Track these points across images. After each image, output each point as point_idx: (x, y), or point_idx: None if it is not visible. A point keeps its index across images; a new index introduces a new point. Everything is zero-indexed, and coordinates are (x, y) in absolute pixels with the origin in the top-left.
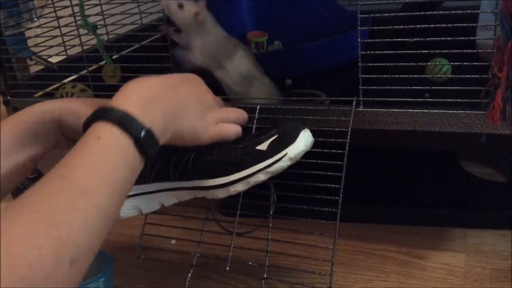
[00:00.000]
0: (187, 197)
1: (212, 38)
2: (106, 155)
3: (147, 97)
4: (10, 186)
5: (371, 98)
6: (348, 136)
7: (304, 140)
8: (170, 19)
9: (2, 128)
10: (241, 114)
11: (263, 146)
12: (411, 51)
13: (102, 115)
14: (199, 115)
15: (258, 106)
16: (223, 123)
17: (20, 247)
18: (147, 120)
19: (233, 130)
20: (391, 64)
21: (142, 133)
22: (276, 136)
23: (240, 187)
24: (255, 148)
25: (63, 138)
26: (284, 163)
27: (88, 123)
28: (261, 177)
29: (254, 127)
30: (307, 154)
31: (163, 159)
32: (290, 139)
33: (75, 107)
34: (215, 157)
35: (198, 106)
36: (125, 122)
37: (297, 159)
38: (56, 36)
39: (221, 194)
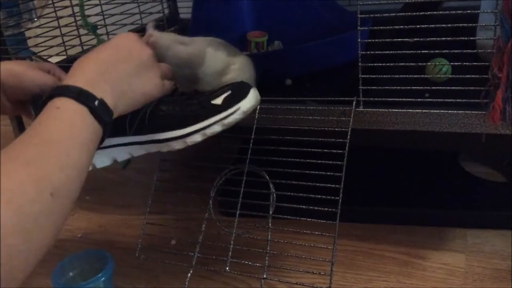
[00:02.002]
0: (140, 152)
1: (174, 58)
2: (67, 119)
3: (94, 76)
4: None
5: (371, 98)
6: (348, 136)
7: (254, 96)
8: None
9: None
10: (169, 69)
11: (218, 101)
12: (411, 51)
13: (58, 92)
14: (146, 77)
15: (258, 106)
16: (164, 78)
17: (2, 182)
18: (98, 93)
19: (172, 85)
20: (391, 64)
21: (96, 103)
22: (230, 92)
23: (197, 138)
24: (210, 102)
25: (7, 102)
26: (238, 116)
27: (45, 101)
28: (217, 128)
29: (254, 127)
30: (307, 154)
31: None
32: (242, 95)
33: (14, 68)
34: (171, 112)
35: (140, 70)
36: (80, 95)
37: (248, 113)
38: (56, 36)
39: (177, 145)
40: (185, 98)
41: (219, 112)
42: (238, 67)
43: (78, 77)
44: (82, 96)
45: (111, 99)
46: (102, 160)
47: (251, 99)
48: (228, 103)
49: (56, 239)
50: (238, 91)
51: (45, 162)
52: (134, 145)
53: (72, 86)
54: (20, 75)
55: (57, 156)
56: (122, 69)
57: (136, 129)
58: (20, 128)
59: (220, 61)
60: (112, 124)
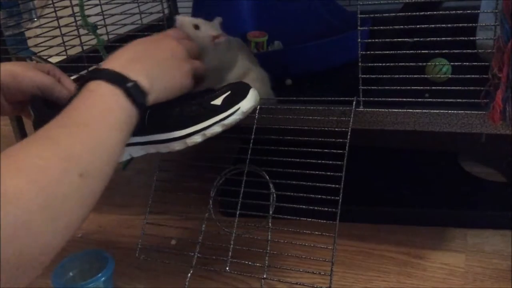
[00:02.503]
0: (140, 153)
1: (216, 56)
2: (101, 101)
3: (129, 61)
4: None
5: (371, 98)
6: (348, 136)
7: (254, 96)
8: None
9: None
10: (201, 67)
11: (217, 101)
12: (411, 51)
13: (93, 75)
14: (177, 67)
15: (258, 107)
16: (196, 72)
17: (25, 158)
18: (132, 76)
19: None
20: (391, 64)
21: (130, 84)
22: (229, 92)
23: (197, 139)
24: (210, 103)
25: (6, 103)
26: (237, 116)
27: (81, 85)
28: (217, 129)
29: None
30: (307, 154)
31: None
32: (242, 95)
33: (12, 68)
34: (171, 112)
35: (174, 60)
36: (114, 77)
37: (248, 113)
38: (56, 36)
39: (178, 146)
40: (183, 98)
41: (219, 112)
42: (256, 77)
43: (113, 62)
44: (116, 78)
45: (146, 82)
46: None
47: (250, 100)
48: (228, 103)
49: (84, 222)
50: (237, 92)
51: (74, 143)
52: (134, 146)
53: (106, 69)
54: (18, 75)
55: (87, 137)
56: (157, 57)
57: (136, 130)
58: (20, 128)
59: (243, 67)
60: (147, 108)
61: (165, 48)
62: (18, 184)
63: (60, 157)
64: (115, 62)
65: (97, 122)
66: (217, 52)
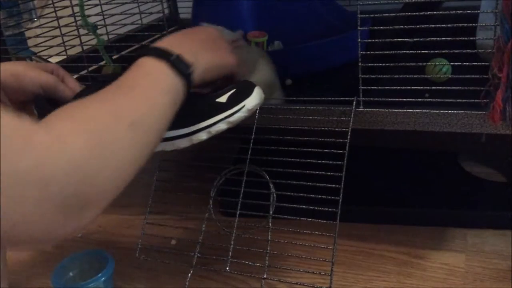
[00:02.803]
0: None
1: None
2: (147, 72)
3: (175, 41)
4: None
5: (371, 98)
6: (348, 136)
7: (258, 94)
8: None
9: None
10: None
11: (222, 99)
12: (411, 51)
13: (142, 52)
14: (218, 47)
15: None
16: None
17: (77, 110)
18: (176, 51)
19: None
20: (391, 64)
21: (173, 57)
22: (234, 90)
23: (202, 136)
24: (215, 100)
25: (9, 104)
26: (242, 114)
27: (131, 62)
28: (222, 126)
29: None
30: (307, 154)
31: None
32: (247, 93)
33: (14, 68)
34: None
35: (214, 42)
36: (159, 53)
37: (253, 111)
38: (56, 36)
39: (183, 144)
40: (188, 96)
41: (224, 110)
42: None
43: (157, 44)
44: (161, 53)
45: (189, 56)
46: None
47: (255, 97)
48: (233, 101)
49: (136, 173)
50: (242, 89)
51: (125, 99)
52: None
53: (150, 47)
54: (20, 75)
55: (138, 96)
56: (197, 39)
57: None
58: None
59: (264, 74)
60: (192, 80)
61: (204, 33)
62: (69, 127)
63: (111, 109)
64: (158, 43)
65: (147, 86)
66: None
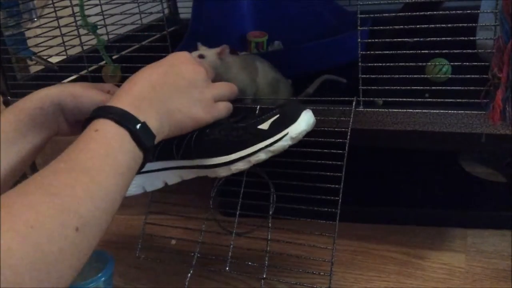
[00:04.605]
0: (190, 175)
1: (235, 69)
2: (105, 144)
3: (139, 97)
4: (12, 177)
5: (371, 98)
6: (348, 136)
7: (306, 120)
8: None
9: (2, 117)
10: (233, 88)
11: (264, 126)
12: (411, 51)
13: (99, 113)
14: (196, 99)
15: (258, 106)
16: (220, 100)
17: (21, 212)
18: (141, 116)
19: (228, 107)
20: (391, 64)
21: (137, 126)
22: (278, 116)
23: (241, 166)
24: (256, 127)
25: (65, 124)
26: (285, 143)
27: (87, 121)
28: (262, 156)
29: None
30: (307, 154)
31: (166, 138)
32: (291, 119)
33: (73, 89)
34: (217, 136)
35: (192, 91)
36: (121, 117)
37: (298, 139)
38: (56, 36)
39: (223, 172)
40: (232, 121)
41: (265, 138)
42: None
43: (123, 98)
44: (124, 118)
45: (155, 122)
46: (153, 183)
47: (300, 124)
48: (275, 128)
49: (77, 273)
50: (287, 115)
51: (73, 192)
52: (184, 169)
53: (114, 107)
54: (78, 96)
55: (88, 185)
56: (171, 90)
57: (183, 153)
58: None
59: (270, 75)
60: (155, 149)
61: (183, 75)
62: (10, 242)
63: (57, 210)
64: (124, 98)
65: (100, 169)
66: (232, 66)
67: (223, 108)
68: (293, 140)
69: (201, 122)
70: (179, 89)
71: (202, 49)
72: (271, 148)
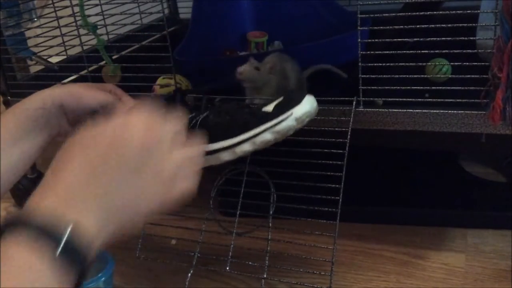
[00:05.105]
0: None
1: (277, 78)
2: (22, 264)
3: (74, 185)
4: (14, 177)
5: (371, 98)
6: (348, 136)
7: (310, 102)
8: None
9: (3, 118)
10: (201, 149)
11: (269, 108)
12: (411, 51)
13: (16, 222)
14: (152, 176)
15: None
16: (185, 166)
17: None
18: (73, 215)
19: (191, 192)
20: (391, 64)
21: (64, 239)
22: (282, 99)
23: (246, 148)
24: (261, 110)
25: (67, 124)
26: (290, 122)
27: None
28: (268, 136)
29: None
30: (307, 154)
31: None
32: (296, 101)
33: (75, 90)
34: (221, 120)
35: (146, 165)
36: (42, 230)
37: (302, 121)
38: (56, 36)
39: (227, 156)
40: (236, 107)
41: (270, 119)
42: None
43: (50, 192)
44: (46, 231)
45: (94, 221)
46: None
47: (304, 105)
48: (280, 109)
49: None
50: (291, 98)
51: None
52: None
53: (32, 218)
54: (81, 96)
55: None
56: (116, 171)
57: None
58: None
59: (296, 75)
60: (92, 261)
61: (132, 145)
62: None
63: None
64: (53, 190)
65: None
66: (275, 75)
67: (185, 190)
68: (297, 121)
69: (159, 210)
70: (127, 166)
71: (253, 62)
72: (276, 128)
